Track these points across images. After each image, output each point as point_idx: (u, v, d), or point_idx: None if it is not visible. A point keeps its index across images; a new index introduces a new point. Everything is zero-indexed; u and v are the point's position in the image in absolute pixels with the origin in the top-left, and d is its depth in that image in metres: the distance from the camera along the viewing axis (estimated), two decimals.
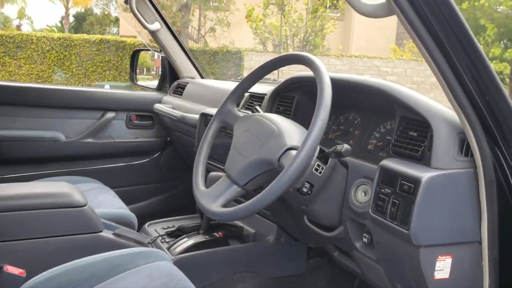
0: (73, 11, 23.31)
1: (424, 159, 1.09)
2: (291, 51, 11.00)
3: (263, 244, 1.69)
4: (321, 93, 1.07)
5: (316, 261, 1.84)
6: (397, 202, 1.06)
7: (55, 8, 32.24)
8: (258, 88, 1.89)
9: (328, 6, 15.02)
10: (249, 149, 1.20)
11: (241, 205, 1.09)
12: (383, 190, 1.11)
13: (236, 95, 1.38)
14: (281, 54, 1.31)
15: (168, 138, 2.61)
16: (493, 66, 0.98)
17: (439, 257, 1.06)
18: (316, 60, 1.16)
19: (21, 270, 1.31)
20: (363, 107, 1.42)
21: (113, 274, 1.23)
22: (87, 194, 2.06)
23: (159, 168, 2.61)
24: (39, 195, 1.46)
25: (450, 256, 1.07)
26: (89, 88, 2.68)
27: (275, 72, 1.43)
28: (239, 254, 1.65)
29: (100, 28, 24.13)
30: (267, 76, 1.37)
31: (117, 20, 23.50)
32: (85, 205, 1.53)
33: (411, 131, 1.14)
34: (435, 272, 1.06)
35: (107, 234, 1.56)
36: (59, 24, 25.63)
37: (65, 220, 1.47)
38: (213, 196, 1.20)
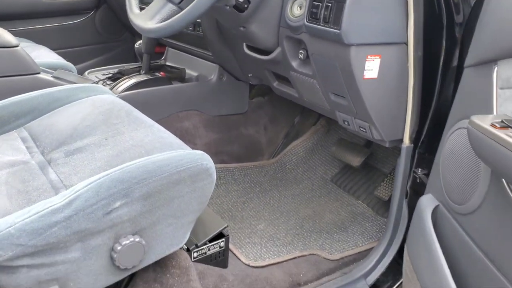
0: None
1: None
2: None
3: (206, 84, 1.73)
4: None
5: (258, 100, 1.91)
6: (330, 5, 1.10)
7: None
8: None
9: None
10: None
11: (177, 15, 1.09)
12: None
13: None
14: None
15: None
16: None
17: (369, 57, 1.13)
18: None
19: None
20: None
21: (54, 107, 1.24)
22: None
23: (94, 29, 2.50)
24: None
25: (378, 56, 1.14)
26: None
27: None
28: (183, 93, 1.68)
29: None
30: None
31: None
32: (17, 46, 1.47)
33: None
34: (365, 71, 1.14)
35: (45, 76, 1.53)
36: None
37: None
38: (148, 16, 1.20)
